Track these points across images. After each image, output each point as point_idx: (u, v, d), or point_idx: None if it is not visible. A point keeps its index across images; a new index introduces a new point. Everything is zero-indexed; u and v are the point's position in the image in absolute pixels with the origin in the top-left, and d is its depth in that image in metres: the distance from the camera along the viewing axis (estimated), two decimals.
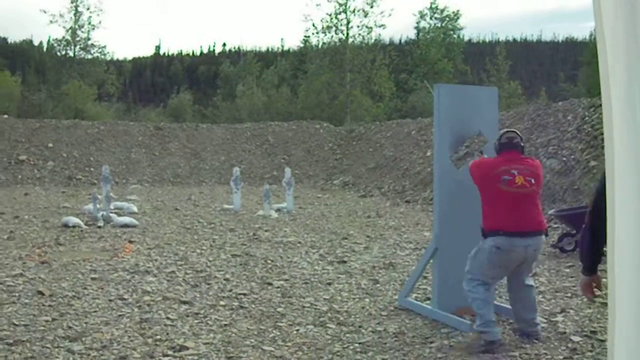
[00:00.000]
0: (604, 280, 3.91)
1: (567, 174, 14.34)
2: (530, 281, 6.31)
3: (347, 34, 49.61)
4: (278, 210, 17.27)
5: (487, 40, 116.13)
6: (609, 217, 1.60)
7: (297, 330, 6.54)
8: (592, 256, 4.18)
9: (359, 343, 6.12)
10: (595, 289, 4.24)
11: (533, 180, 5.98)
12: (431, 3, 58.47)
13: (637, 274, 1.53)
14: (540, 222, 6.04)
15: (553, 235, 10.95)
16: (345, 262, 10.23)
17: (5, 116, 32.62)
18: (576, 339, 6.10)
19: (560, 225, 11.65)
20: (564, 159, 15.02)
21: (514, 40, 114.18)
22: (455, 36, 59.80)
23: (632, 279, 1.54)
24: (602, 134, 15.11)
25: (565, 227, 11.18)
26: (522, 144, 6.26)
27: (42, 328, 6.39)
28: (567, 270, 9.41)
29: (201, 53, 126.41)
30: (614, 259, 1.58)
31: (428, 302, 7.40)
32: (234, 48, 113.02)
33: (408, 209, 18.28)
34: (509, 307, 6.56)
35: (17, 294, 7.71)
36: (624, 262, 1.55)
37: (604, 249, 3.83)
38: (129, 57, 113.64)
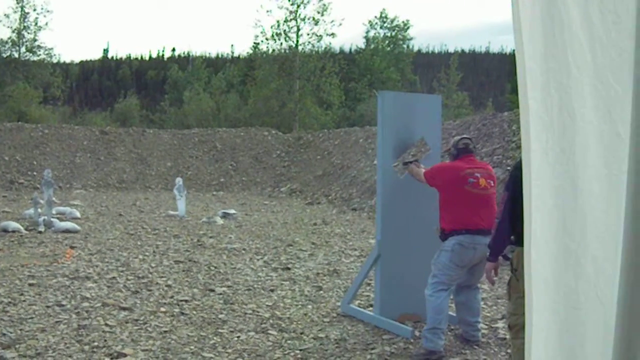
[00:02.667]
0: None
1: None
2: (477, 283, 6.38)
3: (297, 41, 49.59)
4: (224, 216, 17.14)
5: (436, 51, 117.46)
6: (525, 213, 1.62)
7: (238, 337, 6.48)
8: (503, 244, 5.10)
9: (300, 350, 6.09)
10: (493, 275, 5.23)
11: (492, 183, 6.16)
12: (381, 12, 58.82)
13: (552, 270, 1.54)
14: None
15: None
16: (289, 268, 10.19)
17: None
18: None
19: None
20: (509, 168, 15.19)
21: (463, 51, 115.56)
22: (404, 46, 60.24)
23: (547, 274, 1.55)
24: None
25: None
26: (474, 150, 6.39)
27: None
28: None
29: (150, 57, 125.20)
30: (531, 259, 1.59)
31: (371, 308, 7.40)
32: (183, 53, 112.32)
33: (354, 216, 18.31)
34: (453, 314, 6.60)
35: None
36: (540, 260, 1.56)
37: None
38: (77, 60, 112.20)
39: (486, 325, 6.75)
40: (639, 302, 1.61)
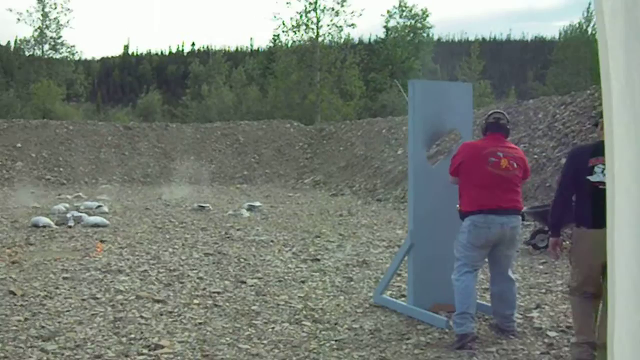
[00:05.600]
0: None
1: (538, 172, 14.44)
2: (512, 275, 6.34)
3: (317, 32, 49.56)
4: (250, 208, 17.20)
5: (456, 39, 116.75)
6: (608, 197, 1.60)
7: (273, 328, 6.50)
8: (559, 221, 5.57)
9: (335, 340, 6.10)
10: (558, 250, 5.57)
11: (516, 164, 6.09)
12: (400, 1, 58.53)
13: (635, 254, 1.53)
14: (517, 202, 6.13)
15: (525, 232, 11.01)
16: (318, 260, 10.21)
17: None
18: (552, 334, 6.15)
19: (533, 222, 11.73)
20: (535, 156, 15.13)
21: (483, 39, 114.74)
22: (424, 35, 59.95)
23: (630, 259, 1.54)
24: (573, 131, 15.25)
25: (537, 224, 11.25)
26: (507, 126, 6.32)
27: (14, 328, 6.29)
28: (541, 266, 9.47)
29: (170, 53, 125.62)
30: (614, 243, 1.58)
31: (403, 299, 7.40)
32: (203, 47, 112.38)
33: (380, 207, 18.30)
34: (488, 304, 6.59)
35: None
36: (622, 244, 1.55)
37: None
38: (98, 57, 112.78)
39: (520, 315, 6.73)
40: None
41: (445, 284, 6.42)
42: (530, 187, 13.97)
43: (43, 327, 6.35)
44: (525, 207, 11.67)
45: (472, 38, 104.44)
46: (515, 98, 44.47)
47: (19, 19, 50.51)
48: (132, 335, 6.13)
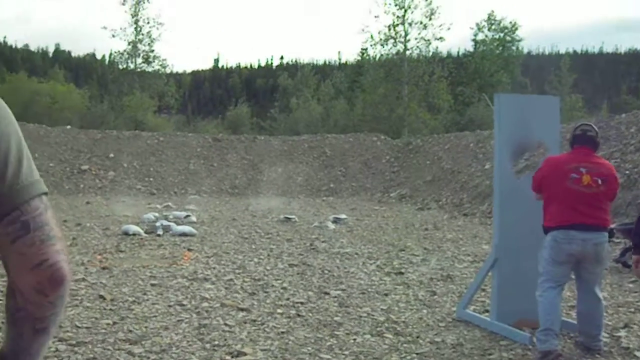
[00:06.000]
0: None
1: (630, 188, 14.05)
2: (599, 293, 6.18)
3: (405, 46, 49.46)
4: (335, 221, 17.26)
5: (547, 52, 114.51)
6: None
7: (354, 339, 6.52)
8: None
9: (417, 353, 6.08)
10: None
11: (600, 181, 5.89)
12: (489, 15, 57.88)
13: None
14: (600, 219, 5.94)
15: (615, 249, 10.73)
16: (402, 273, 10.18)
17: (69, 127, 33.36)
18: None
19: (623, 239, 11.41)
20: (627, 172, 14.72)
21: (575, 52, 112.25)
22: (513, 48, 59.10)
23: None
24: None
25: (627, 242, 10.94)
26: (596, 139, 6.18)
27: (103, 331, 6.50)
28: (630, 285, 9.20)
29: (259, 66, 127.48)
30: None
31: (487, 314, 7.32)
32: (292, 61, 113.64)
33: (466, 222, 18.10)
34: (574, 321, 6.45)
35: (79, 298, 7.86)
36: None
37: None
38: (189, 70, 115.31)
39: (607, 334, 6.55)
40: None
41: (529, 299, 6.32)
42: (621, 203, 13.60)
43: (130, 331, 6.54)
44: (615, 224, 11.39)
45: (562, 51, 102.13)
46: (608, 112, 43.36)
47: (113, 35, 52.03)
48: (216, 342, 6.25)
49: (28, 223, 1.40)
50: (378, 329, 6.90)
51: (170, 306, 7.64)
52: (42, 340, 1.52)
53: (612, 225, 11.13)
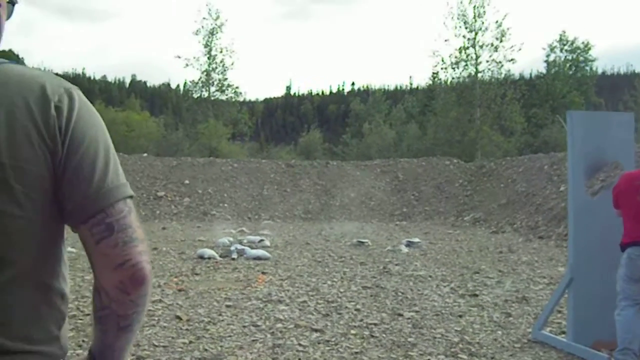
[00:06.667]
0: None
1: None
2: None
3: (477, 69, 49.14)
4: (409, 244, 17.22)
5: (621, 72, 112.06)
6: None
7: (429, 359, 6.51)
8: None
9: None
10: None
11: None
12: (560, 35, 57.16)
13: None
14: None
15: None
16: (476, 295, 10.10)
17: (145, 154, 34.16)
18: None
19: None
20: None
21: None
22: (587, 68, 58.17)
23: None
24: None
25: None
26: None
27: (179, 349, 6.65)
28: None
29: (330, 92, 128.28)
30: None
31: (563, 335, 7.22)
32: (363, 87, 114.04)
33: (541, 244, 17.83)
34: None
35: (156, 318, 8.05)
36: None
37: None
38: (261, 98, 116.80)
39: None
40: None
41: (607, 320, 6.22)
42: None
43: (206, 350, 6.67)
44: None
45: (638, 70, 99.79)
46: None
47: (187, 64, 53.08)
48: None
49: (112, 225, 1.50)
50: (452, 349, 6.88)
51: (244, 327, 7.76)
52: (126, 338, 1.62)
53: None
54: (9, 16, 1.62)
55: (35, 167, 1.44)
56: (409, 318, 8.41)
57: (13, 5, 1.62)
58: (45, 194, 1.46)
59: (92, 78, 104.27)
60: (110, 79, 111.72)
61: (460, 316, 8.56)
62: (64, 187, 1.48)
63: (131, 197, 1.56)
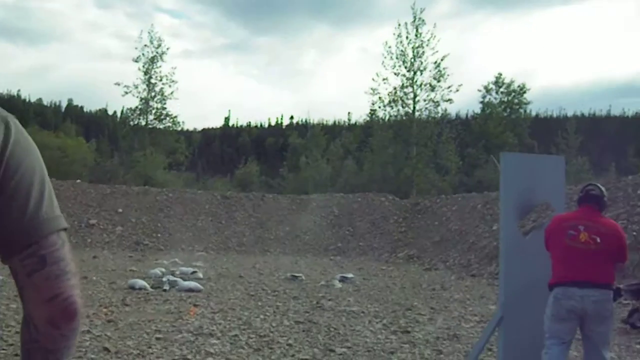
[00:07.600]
0: None
1: (637, 249, 14.02)
2: (606, 354, 6.12)
3: (414, 107, 49.78)
4: (342, 279, 17.23)
5: (554, 115, 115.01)
6: None
7: None
8: None
9: None
10: None
11: (599, 239, 5.87)
12: (496, 77, 58.49)
13: None
14: (600, 276, 5.89)
15: (623, 311, 10.69)
16: (408, 332, 10.14)
17: (78, 181, 33.59)
18: None
19: (631, 301, 11.36)
20: (634, 233, 14.72)
21: (582, 115, 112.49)
22: (521, 111, 59.57)
23: None
24: None
25: (635, 303, 10.90)
26: (601, 198, 6.17)
27: None
28: (638, 346, 9.15)
29: (269, 125, 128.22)
30: None
31: None
32: (301, 121, 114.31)
33: (474, 282, 18.04)
34: None
35: (83, 350, 7.87)
36: None
37: None
38: (199, 128, 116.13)
39: None
40: None
41: (536, 358, 6.29)
42: (628, 264, 13.56)
43: None
44: (622, 285, 11.34)
45: (570, 114, 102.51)
46: (615, 174, 43.36)
47: (126, 92, 52.52)
48: None
49: (45, 258, 1.46)
50: None
51: None
52: None
53: (620, 286, 11.10)
54: None
55: None
56: (340, 354, 8.39)
57: None
58: None
59: (27, 100, 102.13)
60: (46, 102, 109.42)
61: (392, 353, 8.58)
62: None
63: (65, 229, 1.53)
